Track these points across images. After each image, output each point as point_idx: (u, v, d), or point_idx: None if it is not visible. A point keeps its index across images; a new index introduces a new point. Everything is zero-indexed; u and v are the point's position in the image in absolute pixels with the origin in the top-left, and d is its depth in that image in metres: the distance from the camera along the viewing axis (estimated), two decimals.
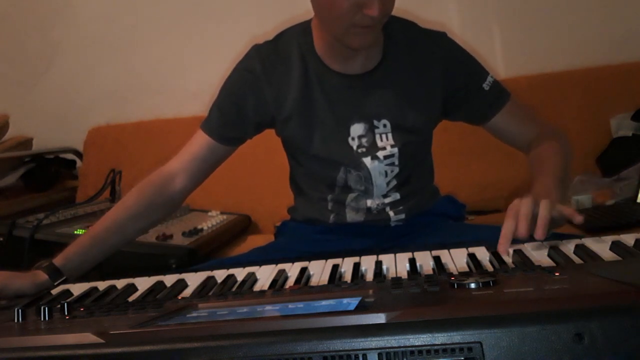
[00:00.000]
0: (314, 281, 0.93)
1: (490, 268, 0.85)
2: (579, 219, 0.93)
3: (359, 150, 1.23)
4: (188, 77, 2.52)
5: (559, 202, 0.96)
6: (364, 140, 1.22)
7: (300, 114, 1.23)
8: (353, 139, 1.22)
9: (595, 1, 2.26)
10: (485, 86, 1.24)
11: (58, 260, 1.11)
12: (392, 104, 1.22)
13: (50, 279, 1.08)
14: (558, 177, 1.08)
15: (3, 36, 2.65)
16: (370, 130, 1.22)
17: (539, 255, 0.87)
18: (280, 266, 1.00)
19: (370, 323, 0.56)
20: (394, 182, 1.26)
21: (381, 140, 1.23)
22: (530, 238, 0.90)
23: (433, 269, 0.88)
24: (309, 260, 1.01)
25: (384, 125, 1.22)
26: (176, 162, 1.26)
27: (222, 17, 2.47)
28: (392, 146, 1.22)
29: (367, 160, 1.22)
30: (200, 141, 1.26)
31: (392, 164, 1.24)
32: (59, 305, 0.80)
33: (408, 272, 0.88)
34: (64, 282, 1.09)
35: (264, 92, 1.23)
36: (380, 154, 1.22)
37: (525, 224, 0.89)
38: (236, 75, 1.26)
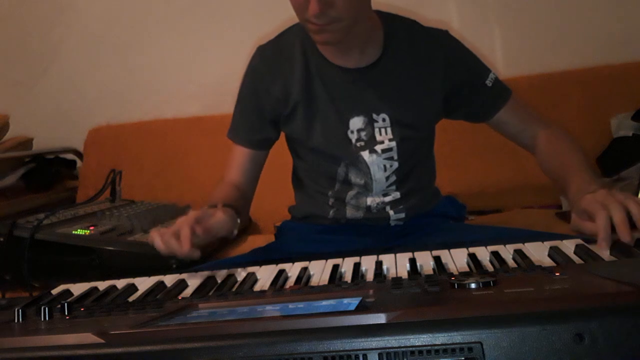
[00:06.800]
0: (314, 281, 0.93)
1: (490, 268, 0.86)
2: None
3: (358, 144, 1.23)
4: (188, 77, 2.52)
5: None
6: (362, 134, 1.23)
7: (303, 107, 1.24)
8: (352, 132, 1.23)
9: (595, 1, 2.26)
10: (488, 82, 1.24)
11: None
12: (391, 99, 1.23)
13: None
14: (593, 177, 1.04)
15: (3, 36, 2.65)
16: (370, 124, 1.23)
17: (539, 255, 0.87)
18: (281, 266, 1.00)
19: (371, 323, 0.56)
20: (394, 178, 1.26)
21: (380, 134, 1.23)
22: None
23: (433, 269, 0.88)
24: (309, 260, 1.01)
25: (383, 120, 1.23)
26: (229, 176, 1.33)
27: (222, 17, 2.47)
28: (390, 140, 1.23)
29: (365, 154, 1.23)
30: (235, 152, 1.33)
31: (391, 158, 1.24)
32: (59, 305, 0.80)
33: (408, 272, 0.88)
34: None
35: (271, 90, 1.26)
36: (378, 147, 1.23)
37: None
38: (246, 79, 1.31)
